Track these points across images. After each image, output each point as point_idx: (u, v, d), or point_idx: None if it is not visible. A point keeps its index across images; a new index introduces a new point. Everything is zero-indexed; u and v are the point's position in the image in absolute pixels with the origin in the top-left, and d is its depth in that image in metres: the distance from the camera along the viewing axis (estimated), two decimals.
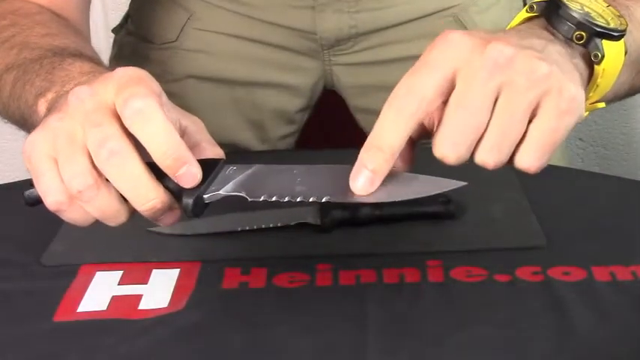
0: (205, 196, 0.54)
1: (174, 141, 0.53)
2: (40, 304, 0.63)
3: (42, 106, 0.65)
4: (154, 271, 0.66)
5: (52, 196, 0.54)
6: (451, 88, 0.53)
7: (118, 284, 0.65)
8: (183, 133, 0.57)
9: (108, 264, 0.67)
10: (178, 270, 0.66)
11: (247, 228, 0.70)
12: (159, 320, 0.60)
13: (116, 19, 1.07)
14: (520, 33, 0.56)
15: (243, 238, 0.70)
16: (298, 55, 0.97)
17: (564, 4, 0.56)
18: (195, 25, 0.97)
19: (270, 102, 0.99)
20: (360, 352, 0.56)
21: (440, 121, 0.53)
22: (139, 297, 0.63)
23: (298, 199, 0.54)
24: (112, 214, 0.54)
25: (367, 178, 0.53)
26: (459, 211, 0.71)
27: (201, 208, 0.54)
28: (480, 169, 0.79)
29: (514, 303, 0.61)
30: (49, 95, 0.65)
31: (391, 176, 0.54)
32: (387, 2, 0.94)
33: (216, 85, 0.98)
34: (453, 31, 0.54)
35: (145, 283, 0.65)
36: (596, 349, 0.56)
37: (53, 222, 0.72)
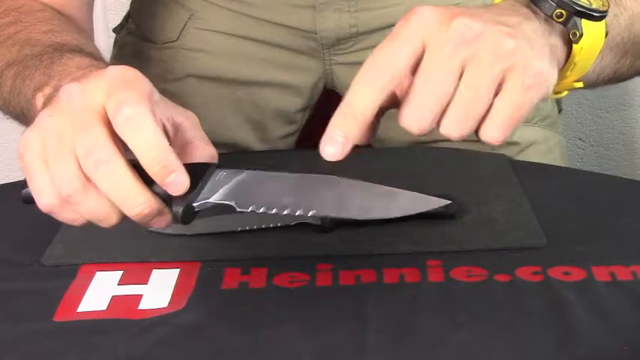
0: (195, 205, 0.55)
1: (163, 149, 0.53)
2: (40, 304, 0.63)
3: (39, 100, 0.65)
4: (154, 271, 0.66)
5: (44, 198, 0.55)
6: (420, 60, 0.54)
7: (118, 284, 0.65)
8: (176, 130, 0.57)
9: (108, 264, 0.67)
10: (178, 270, 0.66)
11: (247, 228, 0.70)
12: (159, 320, 0.60)
13: (116, 18, 1.07)
14: (499, 9, 0.57)
15: (243, 238, 0.70)
16: (299, 54, 0.97)
17: None
18: (196, 24, 0.97)
19: (270, 101, 0.99)
20: (360, 352, 0.56)
21: (407, 92, 0.54)
22: (139, 297, 0.63)
23: (285, 213, 0.54)
24: (103, 216, 0.55)
25: (339, 143, 0.54)
26: (459, 211, 0.71)
27: (190, 216, 0.55)
28: (480, 169, 0.79)
29: (514, 303, 0.61)
30: (47, 90, 0.65)
31: (376, 192, 0.55)
32: (387, 1, 0.94)
33: (216, 85, 0.98)
34: (425, 6, 0.55)
35: (145, 283, 0.65)
36: (596, 349, 0.56)
37: (53, 222, 0.72)
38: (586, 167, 1.64)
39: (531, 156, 0.94)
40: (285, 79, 0.98)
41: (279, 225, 0.70)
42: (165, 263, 0.67)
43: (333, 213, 0.55)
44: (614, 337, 0.57)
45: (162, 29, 0.98)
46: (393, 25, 0.93)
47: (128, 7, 1.05)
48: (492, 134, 0.54)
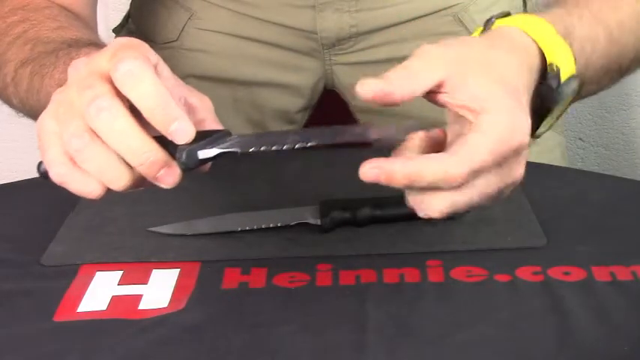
0: (199, 152, 0.54)
1: (163, 97, 0.53)
2: (40, 304, 0.63)
3: None
4: (154, 271, 0.66)
5: (55, 167, 0.55)
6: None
7: (118, 284, 0.65)
8: (189, 111, 0.57)
9: (108, 264, 0.67)
10: (178, 270, 0.66)
11: (247, 228, 0.70)
12: (159, 320, 0.60)
13: (116, 19, 1.07)
14: (513, 75, 0.57)
15: (243, 238, 0.70)
16: (299, 54, 0.97)
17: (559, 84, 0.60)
18: (196, 24, 0.97)
19: (270, 102, 0.99)
20: (360, 352, 0.56)
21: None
22: (139, 297, 0.63)
23: (285, 147, 0.54)
24: (114, 174, 0.55)
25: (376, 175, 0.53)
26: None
27: (194, 162, 0.55)
28: None
29: (514, 303, 0.61)
30: None
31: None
32: (387, 1, 0.94)
33: (216, 85, 0.98)
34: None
35: (145, 283, 0.65)
36: (596, 349, 0.56)
37: (53, 222, 0.72)
38: (586, 167, 1.64)
39: (531, 156, 0.94)
40: (285, 79, 0.98)
41: (279, 225, 0.70)
42: (165, 263, 0.67)
43: (332, 140, 0.54)
44: (614, 337, 0.57)
45: (162, 29, 0.98)
46: (393, 25, 0.95)
47: (128, 7, 1.05)
48: (438, 211, 0.54)
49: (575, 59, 0.61)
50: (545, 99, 0.61)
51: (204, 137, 0.55)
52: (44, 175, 0.57)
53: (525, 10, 1.01)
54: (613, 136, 1.66)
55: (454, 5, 0.95)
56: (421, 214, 0.55)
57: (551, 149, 0.98)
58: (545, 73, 0.60)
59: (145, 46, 0.55)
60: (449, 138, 0.55)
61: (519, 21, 0.61)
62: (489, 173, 0.54)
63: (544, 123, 0.62)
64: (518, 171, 0.56)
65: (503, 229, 0.70)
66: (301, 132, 0.56)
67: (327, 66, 0.97)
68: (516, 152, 0.54)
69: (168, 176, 0.55)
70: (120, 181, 0.55)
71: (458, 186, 0.53)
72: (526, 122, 0.54)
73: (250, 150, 0.55)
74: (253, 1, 0.94)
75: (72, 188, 0.56)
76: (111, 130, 0.53)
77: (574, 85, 0.61)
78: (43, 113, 0.56)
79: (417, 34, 0.95)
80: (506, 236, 0.69)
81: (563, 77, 0.60)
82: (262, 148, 0.55)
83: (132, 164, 0.54)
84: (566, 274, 0.64)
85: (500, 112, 0.53)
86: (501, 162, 0.54)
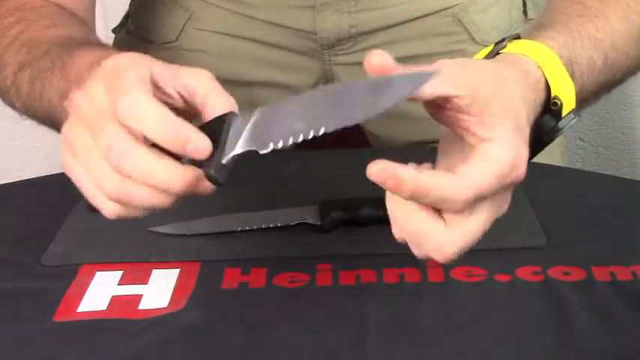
0: (224, 162, 0.54)
1: (169, 121, 0.53)
2: (40, 304, 0.63)
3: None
4: (154, 271, 0.66)
5: (107, 211, 0.55)
6: None
7: (118, 284, 0.65)
8: (192, 96, 0.57)
9: (108, 264, 0.67)
10: (178, 270, 0.66)
11: (247, 228, 0.70)
12: (159, 320, 0.60)
13: (116, 19, 1.07)
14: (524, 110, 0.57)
15: (243, 238, 0.70)
16: (298, 55, 0.97)
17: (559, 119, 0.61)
18: (195, 25, 0.97)
19: (270, 102, 0.99)
20: (360, 352, 0.56)
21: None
22: (139, 297, 0.63)
23: (300, 139, 0.54)
24: (157, 202, 0.55)
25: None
26: None
27: (224, 174, 0.54)
28: None
29: (514, 303, 0.61)
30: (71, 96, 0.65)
31: (373, 83, 0.53)
32: (387, 2, 0.94)
33: None
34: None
35: (145, 283, 0.65)
36: (596, 349, 0.56)
37: (53, 222, 0.72)
38: (586, 167, 1.64)
39: None
40: (284, 80, 0.98)
41: (279, 225, 0.70)
42: (165, 263, 0.67)
43: (339, 125, 0.54)
44: (614, 337, 0.57)
45: (162, 30, 0.98)
46: (393, 25, 0.95)
47: (128, 7, 1.05)
48: (444, 255, 0.54)
49: (577, 93, 0.62)
50: (543, 131, 0.62)
51: (215, 128, 0.54)
52: (92, 209, 0.57)
53: (525, 9, 1.01)
54: (613, 136, 1.66)
55: (454, 5, 0.95)
56: (422, 257, 0.55)
57: (551, 149, 0.98)
58: (546, 105, 0.61)
59: (133, 64, 0.55)
60: (440, 155, 0.56)
61: (532, 50, 0.61)
62: (489, 203, 0.54)
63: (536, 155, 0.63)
64: (506, 205, 0.56)
65: (503, 229, 0.70)
66: (308, 112, 0.55)
67: (327, 66, 0.97)
68: (511, 186, 0.55)
69: (206, 188, 0.55)
70: (165, 203, 0.55)
71: (459, 209, 0.52)
72: (526, 159, 0.54)
73: (269, 149, 0.55)
74: (252, 1, 0.94)
75: (131, 217, 0.56)
76: (136, 170, 0.53)
77: (572, 119, 0.62)
78: (62, 155, 0.56)
79: (417, 34, 0.95)
80: (506, 236, 0.69)
81: (564, 112, 0.61)
82: (279, 145, 0.55)
83: (168, 191, 0.54)
84: (566, 274, 0.64)
85: (507, 146, 0.53)
86: (497, 193, 0.54)
